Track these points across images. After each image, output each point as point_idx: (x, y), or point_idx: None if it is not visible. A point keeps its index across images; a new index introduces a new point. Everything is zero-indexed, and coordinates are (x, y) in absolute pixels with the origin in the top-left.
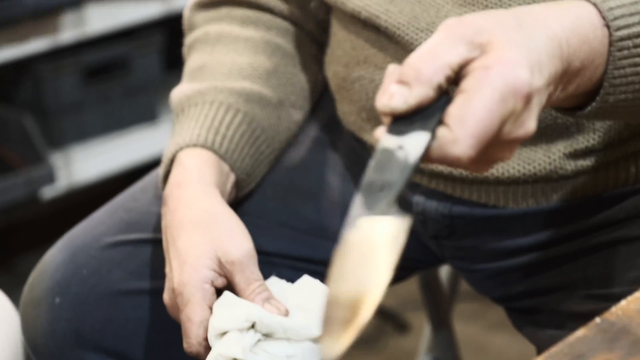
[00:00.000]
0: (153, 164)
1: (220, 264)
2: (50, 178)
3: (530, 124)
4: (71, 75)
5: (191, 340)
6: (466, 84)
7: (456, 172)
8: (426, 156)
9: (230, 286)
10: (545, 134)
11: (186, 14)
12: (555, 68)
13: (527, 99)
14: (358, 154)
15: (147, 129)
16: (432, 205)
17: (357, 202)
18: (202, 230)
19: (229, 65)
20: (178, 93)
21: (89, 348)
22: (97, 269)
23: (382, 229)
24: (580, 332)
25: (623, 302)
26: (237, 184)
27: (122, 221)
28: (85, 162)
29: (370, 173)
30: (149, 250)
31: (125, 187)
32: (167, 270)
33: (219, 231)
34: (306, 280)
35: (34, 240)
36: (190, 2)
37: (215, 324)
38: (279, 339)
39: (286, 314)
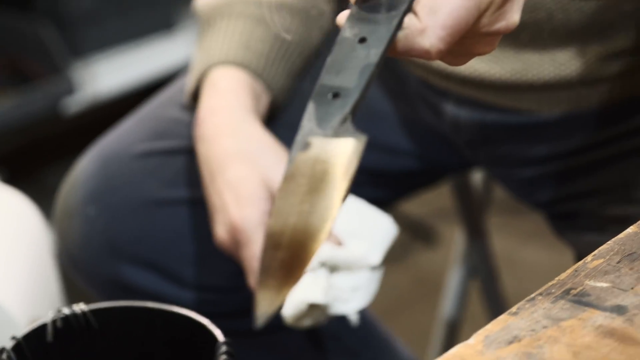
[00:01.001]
0: (172, 74)
1: (272, 196)
2: (70, 89)
3: (512, 16)
4: None
5: None
6: None
7: (488, 78)
8: (392, 47)
9: None
10: (578, 35)
11: None
12: None
13: None
14: (388, 58)
15: (164, 38)
16: (464, 113)
17: (309, 112)
18: (250, 161)
19: None
20: (204, 2)
21: (124, 259)
22: (130, 178)
23: (334, 154)
24: (631, 229)
25: None
26: (272, 104)
27: (152, 130)
28: (104, 73)
29: (325, 73)
30: (182, 159)
31: (144, 97)
32: (215, 202)
33: (267, 162)
34: (352, 201)
35: (58, 153)
36: None
37: None
38: (341, 271)
39: (340, 243)
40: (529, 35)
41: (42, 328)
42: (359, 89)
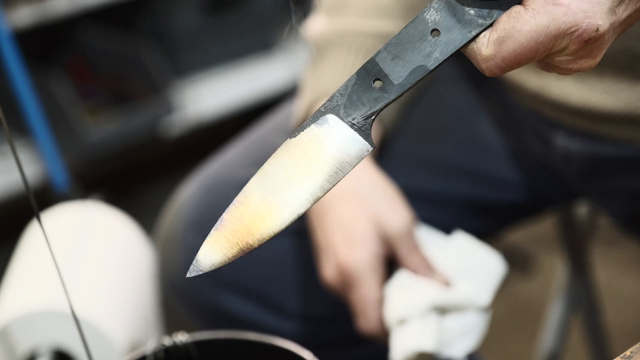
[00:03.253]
0: (270, 96)
1: (384, 236)
2: (169, 110)
3: (588, 61)
4: (191, 6)
5: (371, 323)
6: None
7: (601, 110)
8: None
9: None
10: None
11: None
12: None
13: (588, 42)
14: (495, 89)
15: (262, 60)
16: (576, 144)
17: (348, 84)
18: (361, 202)
19: (369, 2)
20: (316, 29)
21: (226, 288)
22: None
23: (341, 146)
24: None
25: None
26: (382, 136)
27: (257, 157)
28: (203, 94)
29: (384, 50)
30: None
31: (242, 119)
32: (322, 241)
33: (379, 202)
34: (461, 237)
35: (157, 172)
36: None
37: (397, 312)
38: (450, 313)
39: (448, 284)
40: None
41: (142, 359)
42: (400, 91)
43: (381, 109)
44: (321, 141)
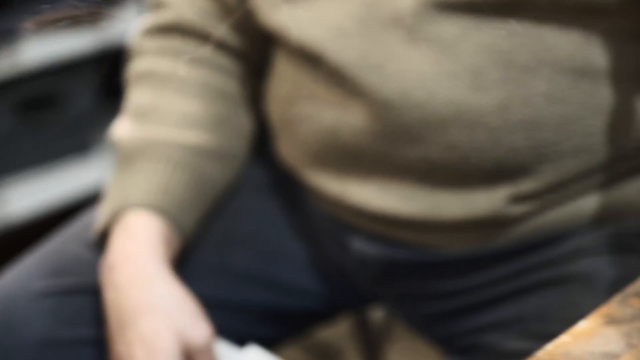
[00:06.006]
0: (86, 197)
1: (187, 351)
2: None
3: None
4: (3, 107)
5: None
6: None
7: (399, 215)
8: None
9: None
10: (487, 178)
11: (136, 39)
12: None
13: None
14: (296, 196)
15: (78, 161)
16: (372, 248)
17: None
18: (164, 316)
19: (178, 112)
20: (123, 135)
21: None
22: (28, 318)
23: None
24: None
25: (549, 347)
26: (183, 246)
27: (52, 267)
28: (15, 196)
29: None
30: (82, 298)
31: (56, 222)
32: (123, 354)
33: (181, 317)
34: (254, 351)
35: None
36: (142, 27)
37: None
38: None
39: None
40: (443, 175)
41: None
42: None
43: None
44: None
